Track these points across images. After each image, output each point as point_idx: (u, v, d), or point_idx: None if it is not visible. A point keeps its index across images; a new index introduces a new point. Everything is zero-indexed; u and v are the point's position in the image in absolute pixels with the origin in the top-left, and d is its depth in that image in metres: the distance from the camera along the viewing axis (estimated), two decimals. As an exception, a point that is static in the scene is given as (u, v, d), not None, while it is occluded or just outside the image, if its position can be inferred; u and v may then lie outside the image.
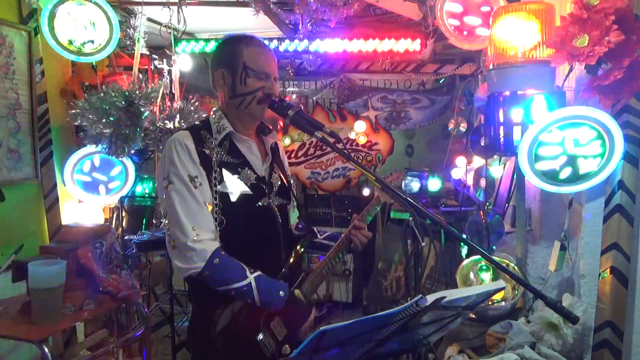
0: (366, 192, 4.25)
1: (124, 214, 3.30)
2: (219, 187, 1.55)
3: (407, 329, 1.08)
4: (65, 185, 2.95)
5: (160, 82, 2.94)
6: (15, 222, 2.71)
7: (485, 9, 2.14)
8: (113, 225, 3.16)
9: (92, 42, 2.82)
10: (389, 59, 3.84)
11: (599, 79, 1.51)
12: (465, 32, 2.24)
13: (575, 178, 1.64)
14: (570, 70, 1.67)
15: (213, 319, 1.50)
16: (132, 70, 3.01)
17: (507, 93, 1.80)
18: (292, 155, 4.32)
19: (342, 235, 1.73)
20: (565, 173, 1.65)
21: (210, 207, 1.54)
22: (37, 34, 2.78)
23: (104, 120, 2.60)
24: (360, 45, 3.68)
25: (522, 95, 1.76)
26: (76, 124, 2.73)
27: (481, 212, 2.34)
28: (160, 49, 3.27)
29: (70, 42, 2.79)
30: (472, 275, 2.25)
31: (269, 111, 1.63)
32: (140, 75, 3.05)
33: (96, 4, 2.77)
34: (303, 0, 2.86)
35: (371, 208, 1.78)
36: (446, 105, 4.66)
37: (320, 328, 0.90)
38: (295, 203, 1.85)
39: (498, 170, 2.54)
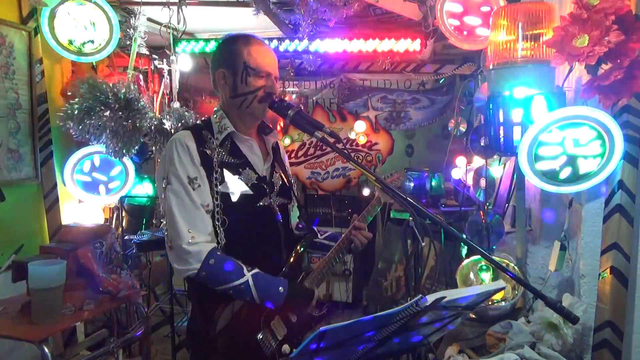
0: (366, 192, 4.25)
1: (124, 214, 3.30)
2: (220, 187, 1.55)
3: (407, 329, 1.08)
4: (65, 185, 2.95)
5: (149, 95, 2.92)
6: (15, 222, 2.71)
7: (485, 9, 2.14)
8: (113, 225, 3.17)
9: (92, 42, 2.83)
10: (388, 59, 3.84)
11: (599, 79, 1.51)
12: (465, 32, 2.24)
13: (575, 178, 1.64)
14: (570, 70, 1.67)
15: (213, 319, 1.51)
16: (132, 71, 3.01)
17: (507, 93, 1.80)
18: (292, 155, 4.32)
19: (343, 235, 1.73)
20: (565, 173, 1.65)
21: (209, 209, 1.54)
22: (37, 34, 2.78)
23: (91, 121, 2.58)
24: (360, 45, 3.69)
25: (522, 95, 1.76)
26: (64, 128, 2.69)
27: (481, 212, 2.34)
28: (160, 49, 3.27)
29: (70, 42, 2.79)
30: (472, 275, 2.25)
31: (269, 111, 1.63)
32: (141, 76, 3.05)
33: (96, 4, 2.77)
34: (303, 0, 2.86)
35: (371, 208, 1.78)
36: (446, 105, 4.66)
37: (320, 328, 0.90)
38: (296, 203, 1.85)
39: (498, 170, 2.54)
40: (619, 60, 1.46)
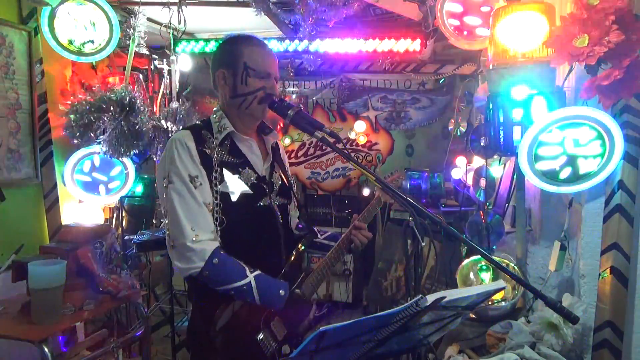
0: (366, 192, 4.25)
1: (124, 214, 3.30)
2: (219, 186, 1.55)
3: (407, 329, 1.08)
4: (65, 185, 2.95)
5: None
6: (15, 222, 2.71)
7: (485, 9, 2.14)
8: (113, 225, 3.16)
9: (92, 42, 2.83)
10: (388, 59, 3.84)
11: (599, 79, 1.51)
12: (465, 32, 2.24)
13: (575, 178, 1.64)
14: (570, 70, 1.68)
15: (213, 319, 1.50)
16: (132, 71, 3.01)
17: (507, 93, 1.80)
18: (292, 155, 4.32)
19: (343, 235, 1.73)
20: (565, 173, 1.65)
21: (211, 207, 1.54)
22: (37, 34, 2.78)
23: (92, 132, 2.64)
24: (360, 45, 3.68)
25: (522, 95, 1.76)
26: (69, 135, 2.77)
27: (481, 212, 2.34)
28: (160, 49, 3.27)
29: (70, 42, 2.79)
30: (472, 275, 2.25)
31: (269, 111, 1.63)
32: (141, 76, 3.05)
33: (96, 4, 2.77)
34: (303, 0, 2.86)
35: (372, 208, 1.78)
36: (446, 105, 4.66)
37: (320, 328, 0.90)
38: (296, 203, 1.85)
39: (498, 170, 2.54)
40: (619, 61, 1.46)
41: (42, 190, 2.87)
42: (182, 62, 3.33)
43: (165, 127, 2.76)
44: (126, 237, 3.15)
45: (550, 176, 1.66)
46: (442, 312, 1.12)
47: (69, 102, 2.80)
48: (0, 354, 2.35)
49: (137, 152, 2.77)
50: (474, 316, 2.07)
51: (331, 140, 1.52)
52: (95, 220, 3.04)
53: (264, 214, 1.65)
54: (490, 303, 2.06)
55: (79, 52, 2.81)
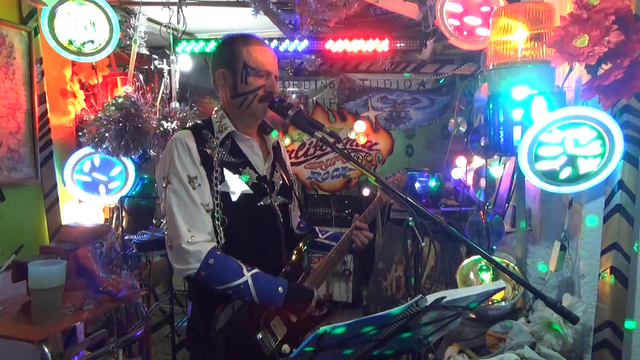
0: (366, 192, 4.25)
1: (124, 214, 3.30)
2: (220, 186, 1.55)
3: (407, 329, 1.07)
4: (65, 185, 2.95)
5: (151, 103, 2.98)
6: (15, 222, 2.71)
7: (485, 9, 2.14)
8: (113, 225, 3.16)
9: (92, 42, 2.83)
10: (389, 59, 3.84)
11: (599, 79, 1.51)
12: (465, 32, 2.24)
13: (575, 178, 1.64)
14: (570, 70, 1.67)
15: (212, 318, 1.51)
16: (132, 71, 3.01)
17: (507, 93, 1.80)
18: (292, 155, 4.32)
19: (344, 235, 1.73)
20: (565, 173, 1.65)
21: (209, 208, 1.54)
22: (37, 34, 2.78)
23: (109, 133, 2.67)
24: (360, 45, 3.69)
25: (522, 95, 1.76)
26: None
27: (481, 212, 2.34)
28: (160, 49, 3.27)
29: (70, 42, 2.79)
30: (472, 275, 2.25)
31: (269, 111, 1.63)
32: (141, 76, 3.05)
33: (96, 4, 2.77)
34: (303, 0, 2.86)
35: (373, 209, 1.78)
36: (446, 105, 4.66)
37: (320, 328, 0.90)
38: (297, 202, 1.85)
39: (498, 170, 2.54)
40: (619, 60, 1.46)
41: (42, 190, 2.87)
42: (182, 62, 3.33)
43: (165, 127, 2.76)
44: (126, 237, 3.15)
45: (550, 176, 1.66)
46: (442, 312, 1.12)
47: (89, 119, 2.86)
48: (0, 354, 2.35)
49: (140, 152, 2.77)
50: (474, 316, 2.07)
51: (331, 140, 1.51)
52: (95, 220, 3.04)
53: (264, 213, 1.65)
54: (490, 303, 2.06)
55: (79, 52, 2.82)
